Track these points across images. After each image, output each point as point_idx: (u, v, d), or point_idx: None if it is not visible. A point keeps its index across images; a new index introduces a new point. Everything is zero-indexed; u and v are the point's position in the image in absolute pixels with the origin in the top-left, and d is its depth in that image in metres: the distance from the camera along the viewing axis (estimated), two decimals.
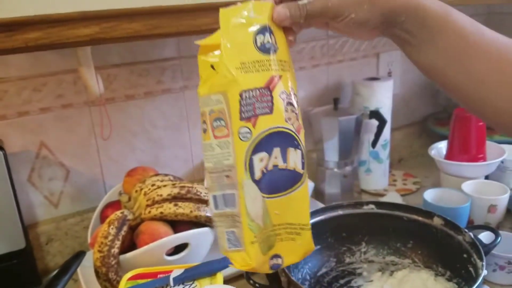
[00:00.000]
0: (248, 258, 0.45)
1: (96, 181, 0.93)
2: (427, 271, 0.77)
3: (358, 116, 1.00)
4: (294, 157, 0.45)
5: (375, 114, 1.01)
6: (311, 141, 1.16)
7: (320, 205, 0.98)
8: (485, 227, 0.77)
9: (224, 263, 0.66)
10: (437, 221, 0.78)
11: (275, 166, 0.44)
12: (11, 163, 0.77)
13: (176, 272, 0.65)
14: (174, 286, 0.65)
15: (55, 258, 0.90)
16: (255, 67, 0.43)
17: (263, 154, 0.43)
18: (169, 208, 0.72)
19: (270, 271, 0.48)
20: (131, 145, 0.95)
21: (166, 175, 0.81)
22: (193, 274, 0.66)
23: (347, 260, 0.84)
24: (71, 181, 0.90)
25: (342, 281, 0.79)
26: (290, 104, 0.45)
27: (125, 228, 0.71)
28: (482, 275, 0.63)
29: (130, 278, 0.67)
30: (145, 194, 0.76)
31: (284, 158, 0.44)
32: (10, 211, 0.76)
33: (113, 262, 0.69)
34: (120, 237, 0.70)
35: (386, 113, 1.05)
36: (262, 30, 0.43)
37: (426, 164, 1.26)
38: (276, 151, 0.43)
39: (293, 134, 0.45)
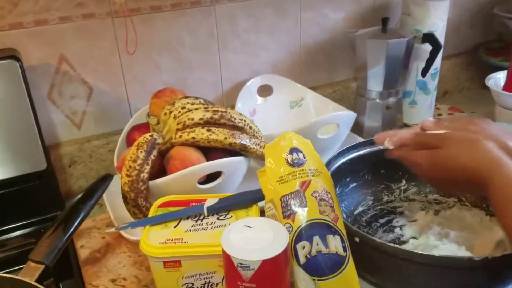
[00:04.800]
0: None
1: (121, 101, 0.86)
2: (478, 210, 0.71)
3: (409, 39, 0.89)
4: (334, 242, 0.52)
5: (429, 38, 0.90)
6: (352, 68, 1.07)
7: (359, 139, 0.90)
8: None
9: (261, 193, 0.61)
10: None
11: (319, 251, 0.51)
12: (29, 78, 0.71)
13: (210, 202, 0.60)
14: (208, 216, 0.60)
15: (79, 181, 0.86)
16: (288, 177, 0.56)
17: (304, 243, 0.52)
18: (201, 134, 0.66)
19: None
20: (157, 64, 0.87)
21: (196, 98, 0.74)
22: (228, 204, 0.61)
23: (385, 198, 0.77)
24: (94, 101, 0.84)
25: (382, 220, 0.73)
26: (323, 200, 0.55)
27: (154, 152, 0.65)
28: None
29: (161, 205, 0.62)
30: (175, 117, 0.69)
31: (326, 244, 0.52)
32: (29, 129, 0.71)
33: (142, 188, 0.64)
34: (150, 162, 0.64)
35: (440, 38, 0.93)
36: (291, 151, 0.58)
37: (474, 98, 1.17)
38: (316, 239, 0.52)
39: (329, 223, 0.53)
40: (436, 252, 0.60)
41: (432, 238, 0.64)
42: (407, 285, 0.56)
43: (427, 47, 0.94)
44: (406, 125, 1.02)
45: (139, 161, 0.64)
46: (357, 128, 0.97)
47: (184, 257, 0.55)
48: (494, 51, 1.14)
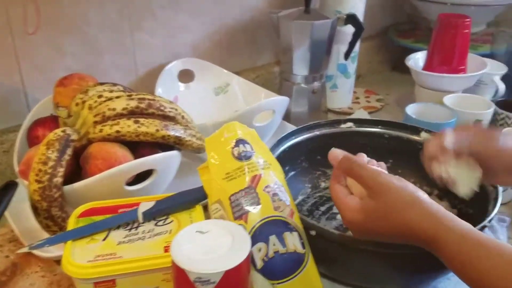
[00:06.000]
0: None
1: (16, 92, 0.72)
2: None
3: (333, 20, 0.87)
4: (292, 240, 0.48)
5: (352, 19, 0.89)
6: (275, 51, 1.02)
7: (289, 125, 0.87)
8: None
9: (203, 192, 0.54)
10: (425, 137, 0.71)
11: (276, 252, 0.47)
12: None
13: (145, 206, 0.52)
14: (143, 223, 0.51)
15: None
16: (237, 173, 0.50)
17: (260, 244, 0.47)
18: (128, 126, 0.56)
19: None
20: (59, 47, 0.75)
21: (114, 84, 0.64)
22: (167, 207, 0.53)
23: (323, 185, 0.75)
24: None
25: (323, 208, 0.71)
26: (276, 194, 0.50)
27: (69, 151, 0.54)
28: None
29: (82, 215, 0.52)
30: (90, 107, 0.59)
31: (283, 243, 0.47)
32: None
33: (56, 195, 0.53)
34: (64, 163, 0.54)
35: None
36: (236, 143, 0.52)
37: (386, 80, 1.20)
38: (273, 238, 0.47)
39: (284, 219, 0.49)
40: None
41: None
42: (368, 276, 0.54)
43: (348, 29, 0.93)
44: (330, 110, 1.01)
45: (50, 163, 0.52)
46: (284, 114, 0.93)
47: (120, 275, 0.46)
48: (405, 33, 1.17)
